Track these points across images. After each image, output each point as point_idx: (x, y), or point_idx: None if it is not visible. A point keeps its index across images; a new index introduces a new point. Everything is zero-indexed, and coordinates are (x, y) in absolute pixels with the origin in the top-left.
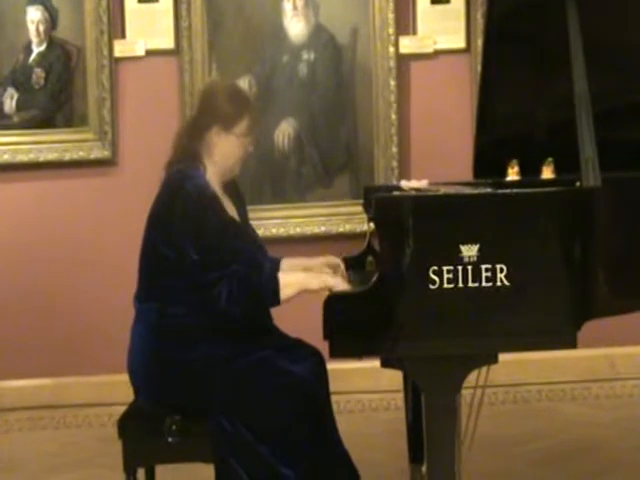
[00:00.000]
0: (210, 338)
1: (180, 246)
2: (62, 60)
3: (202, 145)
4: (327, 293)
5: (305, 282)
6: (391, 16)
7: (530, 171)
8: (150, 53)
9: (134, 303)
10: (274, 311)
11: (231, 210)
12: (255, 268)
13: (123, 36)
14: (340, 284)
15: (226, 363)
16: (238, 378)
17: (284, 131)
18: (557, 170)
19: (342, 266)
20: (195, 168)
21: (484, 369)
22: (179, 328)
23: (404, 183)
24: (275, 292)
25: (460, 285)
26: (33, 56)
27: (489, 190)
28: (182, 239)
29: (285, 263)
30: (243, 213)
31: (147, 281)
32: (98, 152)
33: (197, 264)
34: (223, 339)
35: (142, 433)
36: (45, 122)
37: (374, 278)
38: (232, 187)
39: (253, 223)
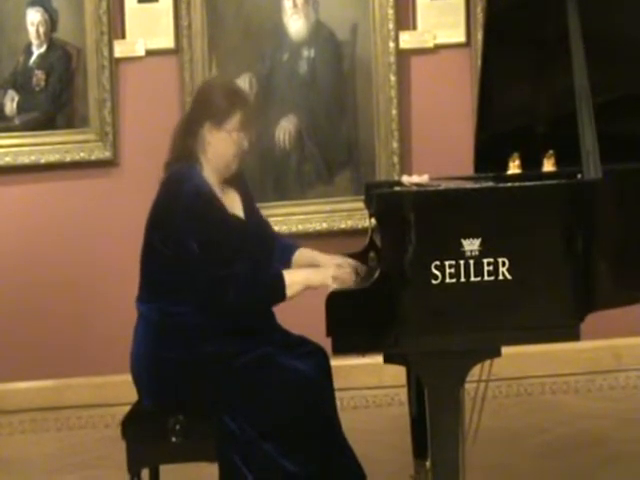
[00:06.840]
0: (214, 336)
1: (182, 245)
2: (62, 61)
3: (197, 143)
4: (333, 287)
5: (309, 279)
6: (391, 11)
7: (531, 164)
8: (150, 53)
9: (136, 304)
10: (277, 309)
11: (236, 204)
12: (261, 265)
13: (123, 36)
14: (342, 282)
15: (229, 360)
16: (241, 375)
17: (285, 128)
18: (558, 163)
19: (352, 262)
20: (192, 167)
21: (487, 362)
22: (182, 327)
23: (405, 179)
24: (281, 289)
25: (462, 280)
26: (33, 58)
27: (490, 184)
28: (183, 237)
29: (299, 254)
30: (250, 206)
31: (149, 281)
32: (99, 153)
33: (200, 261)
34: (226, 337)
35: (146, 433)
36: (46, 124)
37: (376, 274)
38: (238, 180)
39: None
